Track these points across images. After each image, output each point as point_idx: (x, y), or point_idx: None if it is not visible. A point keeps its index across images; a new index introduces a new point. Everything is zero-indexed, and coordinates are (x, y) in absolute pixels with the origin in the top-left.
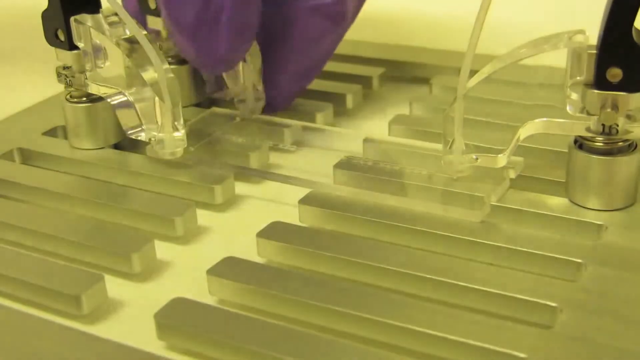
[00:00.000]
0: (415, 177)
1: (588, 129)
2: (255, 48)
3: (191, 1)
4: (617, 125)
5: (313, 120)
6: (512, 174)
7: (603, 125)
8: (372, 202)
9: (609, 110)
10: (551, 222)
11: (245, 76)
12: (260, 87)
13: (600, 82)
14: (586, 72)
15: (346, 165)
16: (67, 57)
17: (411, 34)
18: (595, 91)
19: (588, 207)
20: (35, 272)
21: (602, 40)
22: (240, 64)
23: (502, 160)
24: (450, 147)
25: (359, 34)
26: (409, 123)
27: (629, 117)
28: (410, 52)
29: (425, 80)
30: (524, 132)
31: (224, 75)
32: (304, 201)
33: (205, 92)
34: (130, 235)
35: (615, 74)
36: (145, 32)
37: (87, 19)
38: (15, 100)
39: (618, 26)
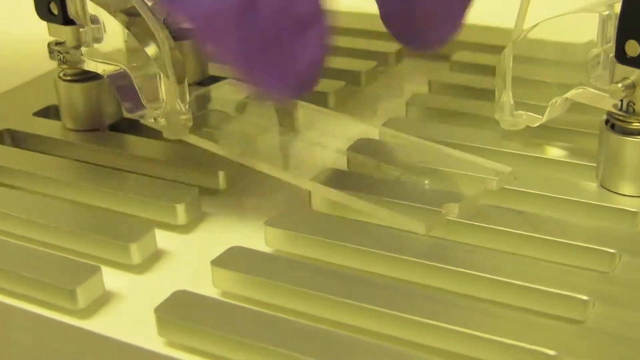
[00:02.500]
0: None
1: (615, 105)
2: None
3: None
4: (634, 104)
5: (325, 100)
6: (494, 186)
7: (621, 101)
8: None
9: (619, 85)
10: (582, 209)
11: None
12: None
13: (619, 54)
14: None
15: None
16: (60, 31)
17: None
18: (614, 63)
19: (621, 192)
20: (27, 263)
21: (622, 10)
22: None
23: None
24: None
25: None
26: (427, 102)
27: None
28: None
29: (445, 57)
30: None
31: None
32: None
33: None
34: (128, 224)
35: (633, 47)
36: (147, 4)
37: None
38: (3, 79)
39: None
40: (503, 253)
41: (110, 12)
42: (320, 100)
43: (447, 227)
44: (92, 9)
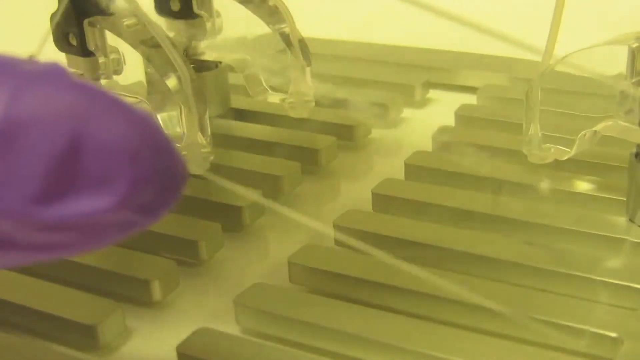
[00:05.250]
0: None
1: None
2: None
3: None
4: None
5: (351, 134)
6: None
7: None
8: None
9: None
10: (611, 245)
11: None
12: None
13: None
14: None
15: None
16: (79, 63)
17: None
18: None
19: None
20: (47, 300)
21: None
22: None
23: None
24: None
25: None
26: (453, 135)
27: None
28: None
29: (472, 89)
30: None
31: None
32: (339, 222)
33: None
34: (150, 260)
35: None
36: (168, 35)
37: (103, 21)
38: None
39: None
40: (531, 289)
41: (130, 44)
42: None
43: (473, 264)
44: (112, 40)
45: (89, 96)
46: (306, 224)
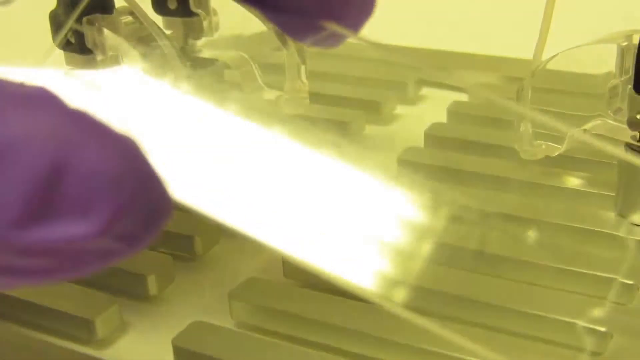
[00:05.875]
0: None
1: (634, 137)
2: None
3: None
4: None
5: (345, 130)
6: None
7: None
8: None
9: (637, 116)
10: (600, 239)
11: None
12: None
13: (638, 86)
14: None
15: None
16: (77, 61)
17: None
18: (632, 94)
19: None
20: (45, 294)
21: None
22: None
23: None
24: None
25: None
26: (446, 132)
27: None
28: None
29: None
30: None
31: None
32: None
33: None
34: (146, 255)
35: None
36: (165, 33)
37: (101, 19)
38: None
39: None
40: (520, 283)
41: (127, 41)
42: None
43: (465, 259)
44: (110, 37)
45: (75, 121)
46: None
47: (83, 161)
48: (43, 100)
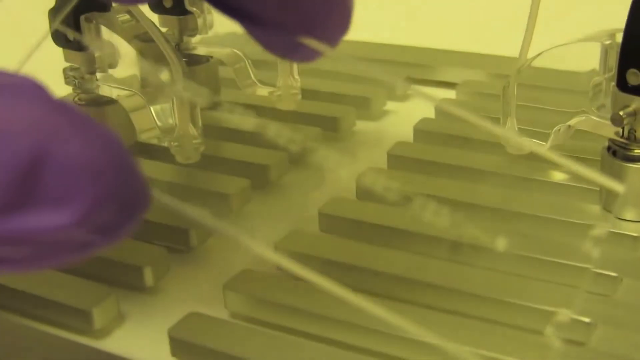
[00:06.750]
0: None
1: (617, 133)
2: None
3: None
4: (635, 131)
5: (335, 126)
6: None
7: (622, 129)
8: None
9: (620, 113)
10: (585, 232)
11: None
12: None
13: (621, 83)
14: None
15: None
16: (76, 57)
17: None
18: (616, 91)
19: (623, 218)
20: (44, 285)
21: (624, 40)
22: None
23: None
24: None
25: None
26: (434, 128)
27: None
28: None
29: (452, 85)
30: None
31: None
32: (324, 209)
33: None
34: (142, 248)
35: (634, 76)
36: (161, 31)
37: (98, 17)
38: None
39: (638, 28)
40: (506, 274)
41: (124, 38)
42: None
43: (452, 250)
44: (107, 35)
45: (58, 113)
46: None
47: (63, 152)
48: (27, 91)
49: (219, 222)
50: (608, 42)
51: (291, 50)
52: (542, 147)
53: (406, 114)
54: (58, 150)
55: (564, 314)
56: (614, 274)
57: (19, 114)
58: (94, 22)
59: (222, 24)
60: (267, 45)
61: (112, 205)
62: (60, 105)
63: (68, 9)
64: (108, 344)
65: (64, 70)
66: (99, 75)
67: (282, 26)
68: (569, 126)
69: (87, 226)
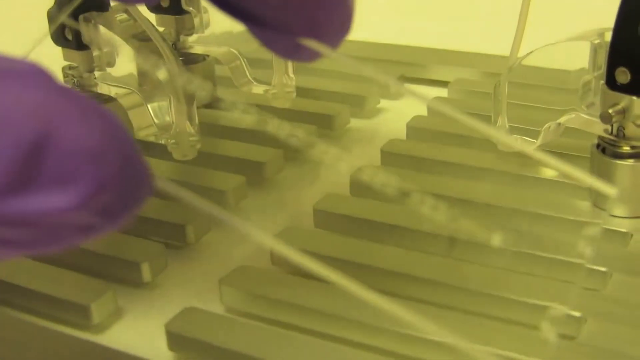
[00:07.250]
0: None
1: (606, 130)
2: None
3: None
4: (624, 129)
5: (330, 123)
6: None
7: (611, 126)
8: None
9: (609, 110)
10: (575, 228)
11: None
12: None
13: (610, 81)
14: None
15: None
16: (74, 56)
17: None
18: (605, 90)
19: (612, 214)
20: (43, 280)
21: (613, 39)
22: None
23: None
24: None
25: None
26: (426, 125)
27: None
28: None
29: (444, 83)
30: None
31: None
32: (318, 206)
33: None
34: (139, 244)
35: (623, 74)
36: (158, 30)
37: (97, 16)
38: None
39: (627, 27)
40: (497, 269)
41: (122, 37)
42: (327, 123)
43: (445, 246)
44: (105, 34)
45: (62, 97)
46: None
47: (66, 136)
48: (31, 75)
49: (220, 210)
50: (597, 41)
51: (292, 51)
52: (531, 147)
53: (399, 112)
54: (62, 134)
55: (556, 309)
56: (603, 269)
57: (23, 98)
58: (93, 21)
59: (219, 23)
60: (268, 44)
61: (115, 188)
62: (64, 90)
63: (72, 7)
64: (106, 339)
65: (63, 69)
66: (97, 73)
67: (283, 27)
68: (559, 124)
69: (89, 209)
